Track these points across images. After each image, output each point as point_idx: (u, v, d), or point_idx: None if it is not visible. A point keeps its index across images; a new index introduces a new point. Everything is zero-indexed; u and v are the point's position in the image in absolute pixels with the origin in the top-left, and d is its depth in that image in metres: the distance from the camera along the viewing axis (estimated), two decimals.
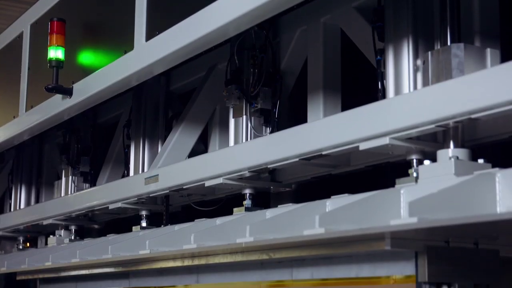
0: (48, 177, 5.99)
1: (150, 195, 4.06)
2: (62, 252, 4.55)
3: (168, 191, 3.89)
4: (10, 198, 6.27)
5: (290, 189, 3.69)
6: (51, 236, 5.34)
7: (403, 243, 2.39)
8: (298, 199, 3.13)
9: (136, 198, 4.19)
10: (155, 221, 4.38)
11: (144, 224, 4.35)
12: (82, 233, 5.41)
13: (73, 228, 5.26)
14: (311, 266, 2.85)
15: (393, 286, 2.51)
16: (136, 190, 4.14)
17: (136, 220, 4.45)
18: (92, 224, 5.42)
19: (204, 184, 3.56)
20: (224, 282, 3.32)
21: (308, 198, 2.95)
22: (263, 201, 3.66)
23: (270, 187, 3.62)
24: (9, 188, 6.34)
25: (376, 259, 2.58)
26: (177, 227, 3.72)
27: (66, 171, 5.38)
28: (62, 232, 5.27)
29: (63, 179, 5.39)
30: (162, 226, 4.08)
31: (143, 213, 4.39)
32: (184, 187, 3.73)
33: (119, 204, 4.34)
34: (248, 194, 3.49)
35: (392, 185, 2.58)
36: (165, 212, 4.17)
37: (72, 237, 5.20)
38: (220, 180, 3.44)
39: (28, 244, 6.15)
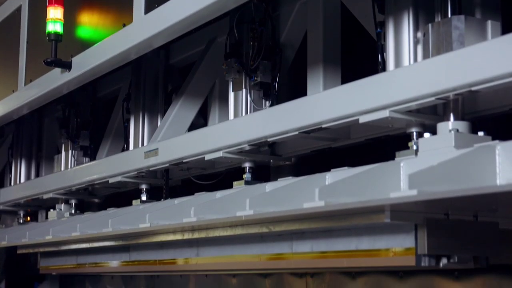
0: (48, 151, 5.99)
1: (150, 169, 4.06)
2: (63, 226, 4.56)
3: (167, 164, 3.89)
4: (10, 172, 6.28)
5: (290, 163, 3.69)
6: (51, 210, 5.35)
7: (403, 215, 2.40)
8: (298, 173, 3.13)
9: (136, 172, 4.20)
10: (155, 195, 4.39)
11: (144, 198, 4.36)
12: (82, 207, 5.42)
13: (73, 202, 5.27)
14: (310, 239, 2.86)
15: (392, 259, 2.51)
16: (136, 164, 4.14)
17: (136, 194, 4.46)
18: (92, 198, 5.43)
19: (203, 157, 3.56)
20: (224, 255, 3.32)
21: (308, 172, 2.95)
22: (262, 174, 3.66)
23: (269, 161, 3.62)
24: (9, 163, 6.35)
25: (375, 231, 2.58)
26: (177, 200, 3.72)
27: (66, 145, 5.38)
28: (63, 206, 5.28)
29: (63, 153, 5.39)
30: (162, 200, 4.09)
31: (143, 187, 4.39)
32: (184, 160, 3.73)
33: (119, 178, 4.35)
34: (247, 168, 3.49)
35: (392, 158, 2.58)
36: (165, 186, 4.17)
37: (73, 211, 5.21)
38: (219, 154, 3.44)
39: (28, 218, 6.16)
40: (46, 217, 5.55)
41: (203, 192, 3.56)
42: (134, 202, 4.34)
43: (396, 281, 3.49)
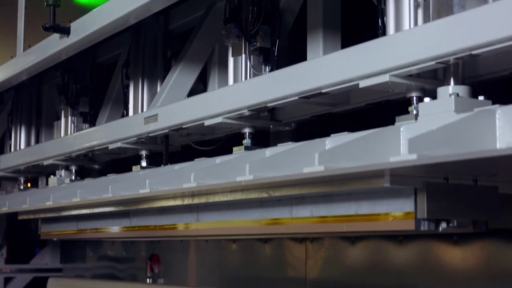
0: (47, 118, 5.98)
1: (150, 135, 4.06)
2: (63, 192, 4.56)
3: (167, 130, 3.89)
4: (10, 139, 6.28)
5: (290, 128, 3.69)
6: (51, 176, 5.36)
7: (402, 180, 2.40)
8: (298, 138, 3.12)
9: (135, 138, 4.19)
10: (154, 161, 4.39)
11: (144, 164, 4.36)
12: (83, 173, 5.43)
13: (73, 168, 5.28)
14: (310, 204, 2.86)
15: (392, 223, 2.52)
16: (136, 130, 4.13)
17: (136, 160, 4.46)
18: (92, 164, 5.44)
19: (203, 123, 3.55)
20: (224, 220, 3.33)
21: (307, 137, 2.95)
22: (262, 140, 3.66)
23: (269, 126, 3.62)
24: (8, 129, 6.34)
25: (375, 196, 2.58)
26: (177, 166, 3.72)
27: (66, 112, 5.37)
28: (63, 172, 5.29)
29: (63, 119, 5.39)
30: (162, 165, 4.09)
31: (143, 153, 4.39)
32: (184, 126, 3.73)
33: (119, 144, 4.35)
34: (247, 133, 3.49)
35: (392, 123, 2.57)
36: (165, 151, 4.17)
37: (73, 178, 5.22)
38: (219, 119, 3.44)
39: (29, 185, 6.18)
40: (47, 184, 5.56)
41: (203, 158, 3.56)
42: (134, 168, 4.35)
43: (395, 246, 3.50)
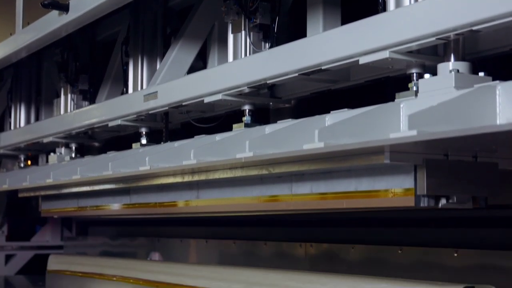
0: (47, 95, 5.97)
1: (149, 112, 4.06)
2: (63, 169, 4.57)
3: (167, 107, 3.88)
4: (10, 117, 6.28)
5: (290, 105, 3.68)
6: (52, 154, 5.36)
7: (402, 156, 2.40)
8: (298, 115, 3.12)
9: (135, 115, 4.19)
10: (154, 138, 4.39)
11: (143, 141, 4.35)
12: (83, 151, 5.43)
13: (73, 146, 5.28)
14: (310, 181, 2.86)
15: (392, 200, 2.52)
16: (135, 107, 4.13)
17: (136, 138, 4.46)
18: (92, 142, 5.44)
19: (203, 100, 3.55)
20: (224, 197, 3.34)
21: (307, 114, 2.95)
22: (262, 117, 3.65)
23: (269, 103, 3.61)
24: (8, 107, 6.34)
25: (375, 172, 2.58)
26: (176, 143, 3.72)
27: (65, 89, 5.36)
28: (63, 150, 5.29)
29: (62, 97, 5.38)
30: (162, 143, 4.09)
31: (143, 130, 4.39)
32: (183, 103, 3.72)
33: (119, 122, 4.34)
34: (247, 110, 3.48)
35: (392, 99, 2.57)
36: (165, 129, 4.16)
37: (73, 155, 5.22)
38: (219, 97, 3.43)
39: (29, 162, 6.18)
40: (47, 161, 5.56)
41: (203, 135, 3.56)
42: (134, 145, 4.35)
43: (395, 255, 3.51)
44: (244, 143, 2.90)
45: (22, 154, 6.15)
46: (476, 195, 2.50)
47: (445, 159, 2.44)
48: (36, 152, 6.11)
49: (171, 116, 4.22)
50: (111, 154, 4.38)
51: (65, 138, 5.17)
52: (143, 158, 3.56)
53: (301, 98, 3.61)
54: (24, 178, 4.98)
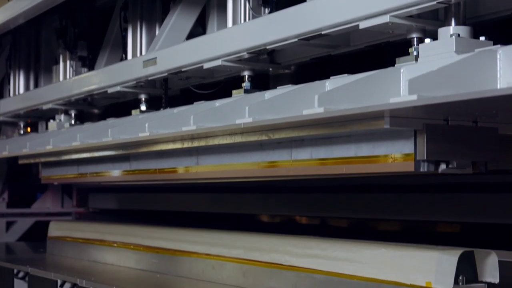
0: (46, 62, 5.95)
1: (149, 78, 4.04)
2: (63, 136, 4.57)
3: (166, 74, 3.87)
4: (9, 84, 6.26)
5: (289, 71, 3.67)
6: (51, 121, 5.35)
7: (402, 121, 2.39)
8: (297, 81, 3.11)
9: (134, 82, 4.18)
10: (154, 104, 4.38)
11: (143, 107, 4.34)
12: (82, 118, 5.43)
13: (73, 113, 5.27)
14: (310, 147, 2.86)
15: (391, 165, 2.52)
16: (135, 74, 4.11)
17: (136, 104, 4.45)
18: (92, 109, 5.43)
19: (202, 66, 3.53)
20: (223, 163, 3.34)
21: (307, 80, 2.93)
22: (262, 83, 3.64)
23: (269, 69, 3.59)
24: (7, 74, 6.32)
25: (375, 138, 2.58)
26: (176, 109, 3.72)
27: (64, 56, 5.33)
28: (62, 117, 5.28)
29: (61, 64, 5.35)
30: (161, 109, 4.08)
31: (142, 97, 4.38)
32: (183, 69, 3.70)
33: (118, 88, 4.33)
34: (247, 76, 3.47)
35: (392, 64, 2.56)
36: (164, 95, 4.15)
37: (72, 122, 5.22)
38: (218, 62, 3.41)
39: (29, 129, 6.18)
40: (47, 128, 5.55)
41: (202, 101, 3.55)
42: (133, 112, 4.34)
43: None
44: (243, 109, 2.89)
45: (21, 121, 6.15)
46: (475, 160, 2.50)
47: (445, 124, 2.43)
48: (36, 119, 6.11)
49: (171, 83, 4.21)
50: (111, 121, 4.37)
51: (64, 105, 5.16)
52: (142, 125, 3.56)
53: (301, 64, 3.60)
54: (24, 145, 4.98)
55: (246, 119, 2.84)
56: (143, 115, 4.09)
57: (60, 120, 5.27)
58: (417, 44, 2.57)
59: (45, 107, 5.26)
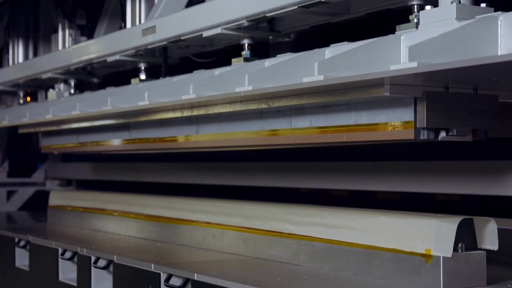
0: (45, 31, 5.92)
1: (148, 47, 4.03)
2: (62, 105, 4.56)
3: (165, 42, 3.85)
4: (8, 53, 6.24)
5: (289, 39, 3.65)
6: (51, 90, 5.34)
7: (402, 89, 2.38)
8: (297, 49, 3.09)
9: (134, 51, 4.16)
10: (153, 73, 4.37)
11: (142, 76, 4.33)
12: (82, 87, 5.41)
13: (72, 82, 5.25)
14: (310, 115, 2.85)
15: (391, 132, 2.51)
16: (134, 42, 4.10)
17: (135, 73, 4.44)
18: (91, 78, 5.41)
19: (202, 34, 3.52)
20: (223, 132, 3.33)
21: (307, 48, 2.92)
22: (262, 51, 3.62)
23: (268, 37, 3.57)
24: (6, 43, 6.30)
25: (375, 106, 2.57)
26: (175, 78, 3.71)
27: (63, 25, 5.31)
28: (62, 86, 5.27)
29: (60, 32, 5.33)
30: (161, 78, 4.07)
31: (142, 65, 4.36)
32: (182, 38, 3.69)
33: (117, 57, 4.32)
34: (246, 45, 3.45)
35: (393, 32, 2.54)
36: (164, 64, 4.14)
37: (72, 91, 5.21)
38: (218, 30, 3.40)
39: (28, 99, 6.17)
40: (46, 98, 5.54)
41: (202, 70, 3.53)
42: (133, 80, 4.33)
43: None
44: (243, 77, 2.88)
45: (21, 91, 6.14)
46: (475, 128, 2.49)
47: (445, 92, 2.42)
48: (35, 88, 6.10)
49: (170, 51, 4.19)
50: (110, 90, 4.36)
51: (64, 74, 5.15)
52: (142, 93, 3.55)
53: (301, 32, 3.58)
54: (24, 114, 4.98)
55: (246, 87, 2.84)
56: (143, 84, 4.08)
57: (59, 89, 5.26)
58: (418, 11, 2.56)
59: (44, 76, 5.24)
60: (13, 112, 5.47)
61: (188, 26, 3.60)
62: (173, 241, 3.87)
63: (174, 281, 2.99)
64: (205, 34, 3.48)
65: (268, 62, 3.06)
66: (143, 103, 3.52)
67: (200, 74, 3.45)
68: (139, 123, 3.98)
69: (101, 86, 5.43)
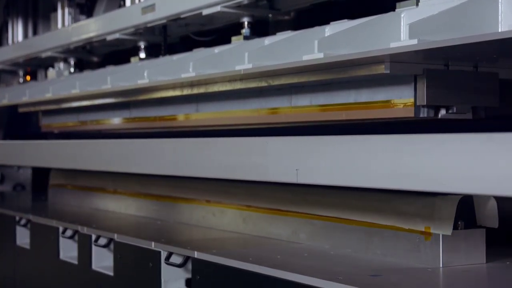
0: (44, 10, 5.90)
1: (147, 25, 4.01)
2: (62, 84, 4.56)
3: (165, 20, 3.84)
4: (7, 32, 6.23)
5: (289, 17, 3.64)
6: (50, 69, 5.33)
7: (402, 66, 2.37)
8: (298, 27, 3.08)
9: (133, 29, 4.15)
10: (153, 52, 4.36)
11: (142, 55, 4.32)
12: (82, 66, 5.40)
13: (72, 61, 5.24)
14: (310, 93, 2.85)
15: (391, 110, 2.51)
16: (133, 20, 4.08)
17: (135, 52, 4.43)
18: (91, 57, 5.40)
19: (201, 12, 3.50)
20: (223, 110, 3.33)
21: (307, 26, 2.91)
22: (261, 29, 3.61)
23: (268, 15, 3.56)
24: (5, 22, 6.28)
25: (374, 84, 2.57)
26: (175, 56, 3.70)
27: (62, 3, 5.29)
28: (61, 65, 5.26)
29: (59, 11, 5.31)
30: (160, 56, 4.06)
31: (141, 44, 4.35)
32: (182, 16, 3.67)
33: (117, 35, 4.31)
34: (246, 23, 3.44)
35: (393, 9, 2.53)
36: (163, 42, 4.12)
37: (72, 70, 5.20)
38: (217, 8, 3.38)
39: (28, 78, 6.16)
40: (46, 77, 5.53)
41: (202, 48, 3.52)
42: (132, 59, 4.32)
43: None
44: (243, 55, 2.88)
45: (21, 70, 6.13)
46: (475, 105, 2.49)
47: (445, 69, 2.42)
48: (35, 67, 6.09)
49: (170, 30, 4.18)
50: (110, 68, 4.35)
51: (63, 52, 5.14)
52: (141, 72, 3.54)
53: (301, 10, 3.56)
54: (24, 93, 4.97)
55: (245, 66, 2.83)
56: (142, 62, 4.07)
57: (59, 68, 5.25)
58: None
59: (44, 55, 5.23)
60: (13, 91, 5.47)
61: (188, 4, 3.59)
62: (173, 219, 3.88)
63: (175, 259, 3.01)
64: (205, 12, 3.46)
65: (268, 40, 3.05)
66: (143, 81, 3.52)
67: (200, 53, 3.45)
68: (139, 102, 3.98)
69: (101, 65, 5.42)
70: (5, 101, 5.32)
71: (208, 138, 3.05)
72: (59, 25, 5.29)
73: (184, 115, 3.62)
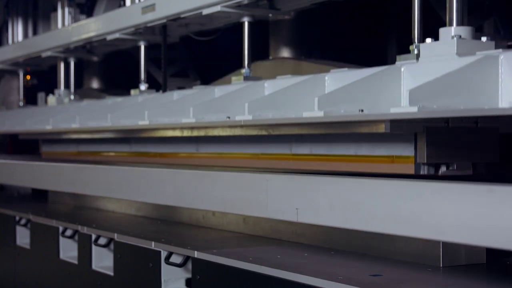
0: (44, 9, 5.90)
1: (148, 25, 4.00)
2: (62, 116, 4.50)
3: (165, 20, 3.83)
4: (7, 31, 6.23)
5: (289, 17, 3.63)
6: (50, 95, 5.31)
7: (402, 126, 2.37)
8: (298, 26, 3.07)
9: (133, 29, 4.14)
10: (153, 52, 4.37)
11: (142, 87, 4.26)
12: (81, 67, 5.40)
13: (72, 61, 5.23)
14: (310, 142, 2.86)
15: (391, 166, 2.50)
16: (133, 20, 4.07)
17: (135, 51, 4.42)
18: (91, 57, 5.39)
19: (201, 12, 3.49)
20: (223, 152, 3.33)
21: (308, 25, 2.89)
22: (261, 30, 3.61)
23: (268, 15, 3.55)
24: (5, 21, 6.28)
25: (375, 138, 2.57)
26: (176, 94, 3.67)
27: (62, 3, 5.28)
28: (62, 91, 5.24)
29: (59, 11, 5.30)
30: (161, 55, 4.04)
31: (141, 44, 4.35)
32: (182, 16, 3.67)
33: (117, 35, 4.30)
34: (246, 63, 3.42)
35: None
36: (163, 42, 4.11)
37: (72, 97, 5.17)
38: (218, 8, 3.36)
39: (28, 77, 6.15)
40: (46, 102, 5.48)
41: (202, 86, 3.51)
42: (132, 92, 4.29)
43: None
44: (243, 104, 2.83)
45: (21, 69, 6.12)
46: (476, 161, 2.47)
47: (445, 126, 2.40)
48: (35, 67, 6.07)
49: (170, 29, 4.16)
50: (110, 101, 4.32)
51: (63, 52, 5.13)
52: (142, 112, 3.50)
53: (301, 10, 3.56)
54: (23, 123, 4.94)
55: (246, 116, 2.79)
56: (143, 99, 3.99)
57: (59, 95, 5.24)
58: (418, 42, 2.52)
59: (44, 54, 5.23)
60: (13, 117, 5.44)
61: (188, 4, 3.58)
62: (173, 219, 3.88)
63: (175, 259, 3.00)
64: (205, 12, 3.45)
65: (268, 85, 3.03)
66: (143, 122, 3.48)
67: (200, 94, 3.40)
68: (140, 139, 3.98)
69: (102, 64, 5.43)
70: (5, 129, 5.31)
71: (210, 171, 3.04)
72: (59, 24, 5.28)
73: (185, 154, 3.62)
